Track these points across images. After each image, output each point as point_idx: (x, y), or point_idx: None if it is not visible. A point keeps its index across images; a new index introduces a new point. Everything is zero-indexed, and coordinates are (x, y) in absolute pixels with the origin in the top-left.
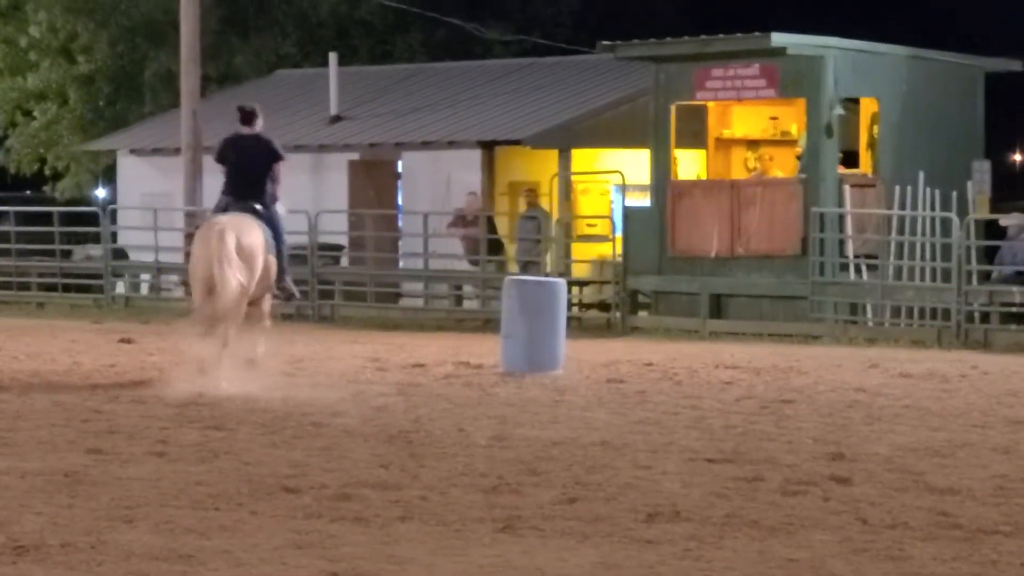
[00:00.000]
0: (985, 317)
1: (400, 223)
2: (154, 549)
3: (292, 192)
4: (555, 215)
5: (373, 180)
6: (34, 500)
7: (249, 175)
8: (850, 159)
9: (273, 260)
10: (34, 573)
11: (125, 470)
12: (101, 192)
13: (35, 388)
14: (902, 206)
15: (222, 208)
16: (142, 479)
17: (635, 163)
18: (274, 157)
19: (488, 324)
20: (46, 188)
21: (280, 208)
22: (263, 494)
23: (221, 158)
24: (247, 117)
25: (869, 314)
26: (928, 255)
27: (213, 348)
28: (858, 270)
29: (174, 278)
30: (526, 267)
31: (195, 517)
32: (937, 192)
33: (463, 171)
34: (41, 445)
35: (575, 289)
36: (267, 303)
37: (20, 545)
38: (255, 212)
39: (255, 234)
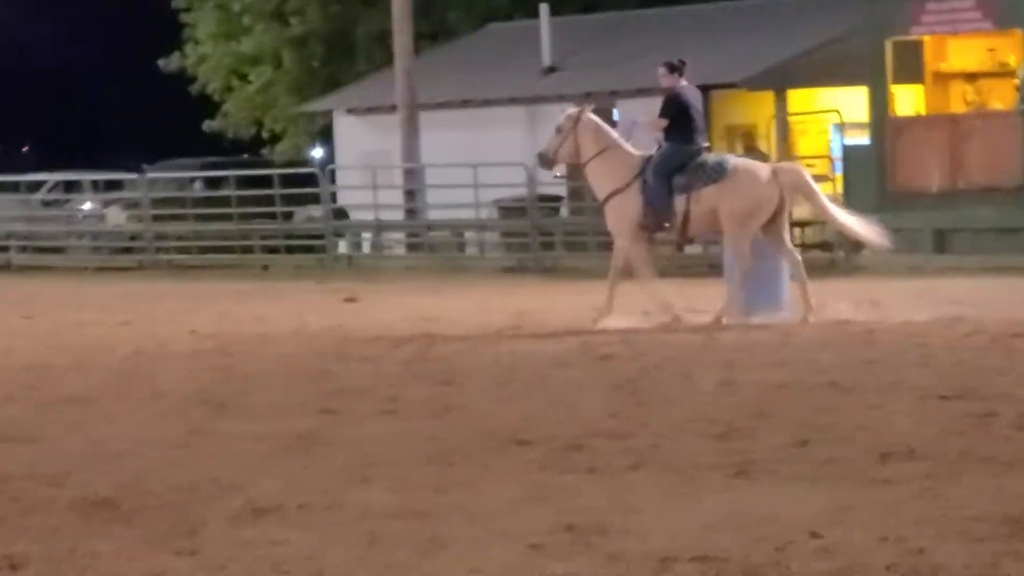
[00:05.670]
0: None
1: None
2: (390, 507)
3: (508, 144)
4: (774, 157)
5: None
6: (269, 463)
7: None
8: None
9: None
10: (274, 535)
11: (357, 429)
12: (318, 153)
13: (264, 351)
14: None
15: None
16: (375, 438)
17: (852, 101)
18: None
19: (712, 269)
20: (264, 151)
21: None
22: (496, 448)
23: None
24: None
25: None
26: None
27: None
28: None
29: (395, 236)
30: None
31: (430, 473)
32: None
33: None
34: (273, 407)
35: (797, 230)
36: None
37: (259, 507)
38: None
39: None
